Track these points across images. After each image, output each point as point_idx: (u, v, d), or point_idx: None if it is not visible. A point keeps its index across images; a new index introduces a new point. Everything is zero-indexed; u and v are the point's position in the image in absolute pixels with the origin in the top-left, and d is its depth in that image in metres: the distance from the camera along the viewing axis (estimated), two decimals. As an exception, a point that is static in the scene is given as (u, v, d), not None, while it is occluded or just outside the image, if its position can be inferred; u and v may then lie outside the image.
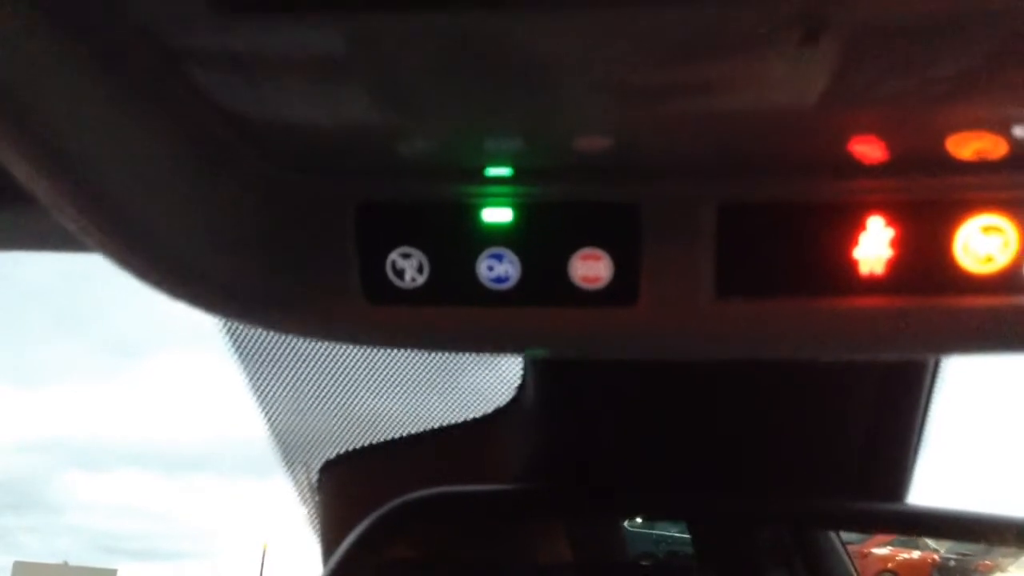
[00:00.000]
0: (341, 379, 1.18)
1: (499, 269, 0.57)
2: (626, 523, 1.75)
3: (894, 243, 0.53)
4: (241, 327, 1.04)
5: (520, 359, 1.11)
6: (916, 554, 9.41)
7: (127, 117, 0.50)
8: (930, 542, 9.37)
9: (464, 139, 0.55)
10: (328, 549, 1.27)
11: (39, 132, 0.45)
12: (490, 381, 1.17)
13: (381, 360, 1.13)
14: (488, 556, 1.21)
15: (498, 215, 0.57)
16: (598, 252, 0.56)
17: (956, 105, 0.49)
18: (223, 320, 0.66)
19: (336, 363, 1.14)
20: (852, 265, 0.54)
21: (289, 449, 1.31)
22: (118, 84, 0.48)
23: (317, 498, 1.34)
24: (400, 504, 1.04)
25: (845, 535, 1.69)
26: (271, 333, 1.03)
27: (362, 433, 1.28)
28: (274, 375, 1.16)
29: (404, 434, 1.27)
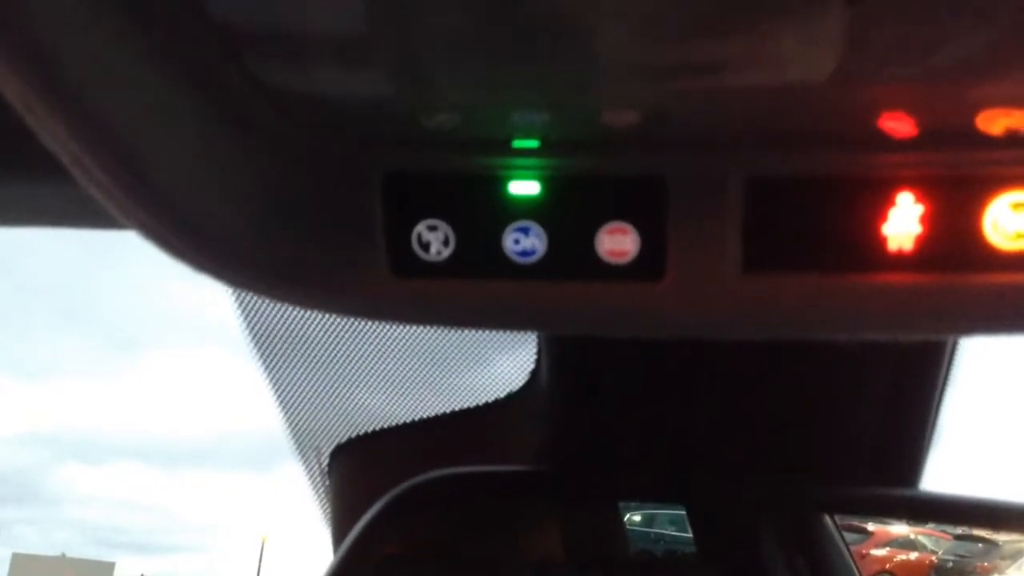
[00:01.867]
0: (354, 363, 1.18)
1: (525, 242, 0.56)
2: (626, 520, 1.75)
3: (923, 219, 0.53)
4: (257, 309, 1.04)
5: (534, 345, 1.11)
6: (914, 555, 9.41)
7: (158, 80, 0.49)
8: (928, 544, 9.40)
9: (491, 111, 0.55)
10: (339, 533, 1.27)
11: (78, 100, 0.45)
12: (503, 366, 1.17)
13: (395, 343, 1.13)
14: (486, 552, 1.21)
15: (525, 188, 0.56)
16: (625, 226, 0.56)
17: (986, 81, 0.49)
18: (247, 292, 0.65)
19: (349, 347, 1.14)
20: (881, 241, 0.54)
21: (301, 433, 1.31)
22: (150, 45, 0.48)
23: (328, 482, 1.34)
24: (412, 485, 1.05)
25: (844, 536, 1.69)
26: (288, 310, 1.04)
27: (373, 417, 1.28)
28: (287, 358, 1.16)
29: (416, 419, 1.28)
